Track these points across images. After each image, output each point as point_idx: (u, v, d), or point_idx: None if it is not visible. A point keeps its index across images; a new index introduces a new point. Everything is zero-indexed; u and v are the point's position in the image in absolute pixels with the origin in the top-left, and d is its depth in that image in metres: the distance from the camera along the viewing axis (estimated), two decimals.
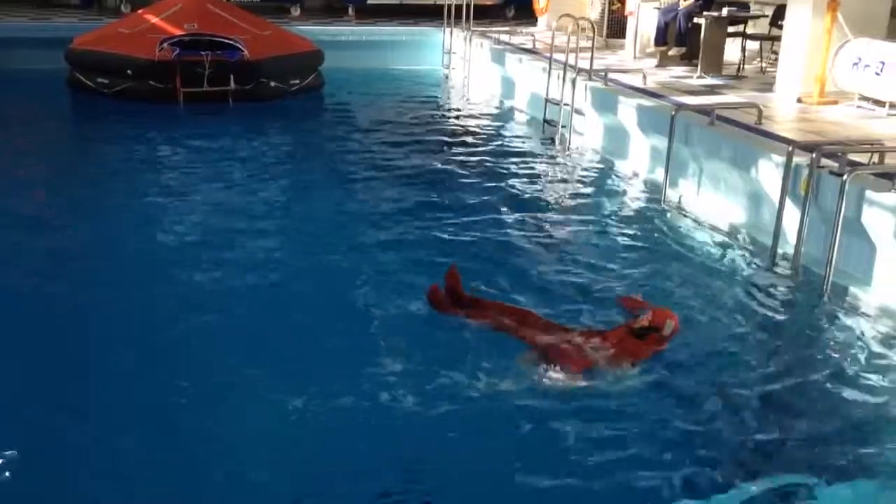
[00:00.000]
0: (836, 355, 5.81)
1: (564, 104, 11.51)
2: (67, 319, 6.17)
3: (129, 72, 13.56)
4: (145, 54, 13.45)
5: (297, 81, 14.65)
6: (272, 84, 14.19)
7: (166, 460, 4.59)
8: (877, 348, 5.92)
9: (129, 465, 4.53)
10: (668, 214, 8.73)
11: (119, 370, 5.44)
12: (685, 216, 8.63)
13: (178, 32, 13.68)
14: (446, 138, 12.22)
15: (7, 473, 4.39)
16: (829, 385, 5.41)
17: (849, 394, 5.31)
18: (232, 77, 13.52)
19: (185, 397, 5.11)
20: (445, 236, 7.98)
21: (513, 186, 9.71)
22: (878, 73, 9.37)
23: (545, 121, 12.11)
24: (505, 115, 13.88)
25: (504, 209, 8.86)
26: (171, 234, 7.93)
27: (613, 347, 5.46)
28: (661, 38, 13.14)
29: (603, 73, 11.43)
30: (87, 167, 10.47)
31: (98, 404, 5.06)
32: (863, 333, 6.12)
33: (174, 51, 13.40)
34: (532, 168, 10.69)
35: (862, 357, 5.78)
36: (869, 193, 6.52)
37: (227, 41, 13.69)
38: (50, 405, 5.03)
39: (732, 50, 12.91)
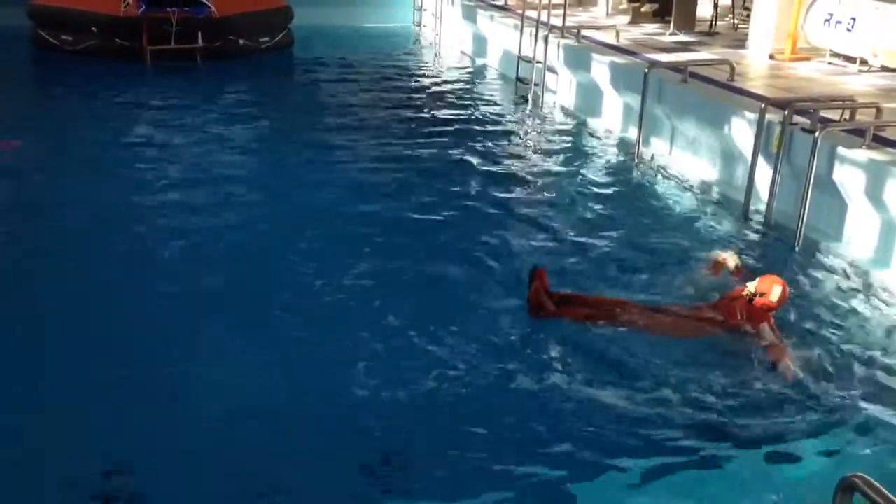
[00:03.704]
0: (805, 309, 5.88)
1: (537, 62, 11.45)
2: (30, 271, 6.25)
3: (93, 29, 13.28)
4: (110, 10, 13.18)
5: (267, 39, 14.42)
6: (241, 42, 13.97)
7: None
8: (843, 301, 6.01)
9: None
10: (642, 171, 8.76)
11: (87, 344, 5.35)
12: (659, 173, 8.66)
13: None
14: (418, 98, 12.12)
15: None
16: (798, 337, 5.49)
17: (816, 346, 5.37)
18: (200, 34, 13.28)
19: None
20: (423, 198, 7.91)
21: (486, 147, 9.65)
22: (849, 30, 9.41)
23: (518, 79, 12.04)
24: (477, 73, 13.78)
25: (478, 170, 8.80)
26: (138, 195, 7.84)
27: (749, 315, 5.43)
28: None
29: (576, 31, 11.36)
30: (50, 129, 10.22)
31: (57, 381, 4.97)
32: (832, 287, 6.22)
33: (140, 7, 13.13)
34: (505, 127, 10.64)
35: (829, 309, 5.87)
36: (840, 150, 6.58)
37: None
38: None
39: (705, 6, 12.88)
